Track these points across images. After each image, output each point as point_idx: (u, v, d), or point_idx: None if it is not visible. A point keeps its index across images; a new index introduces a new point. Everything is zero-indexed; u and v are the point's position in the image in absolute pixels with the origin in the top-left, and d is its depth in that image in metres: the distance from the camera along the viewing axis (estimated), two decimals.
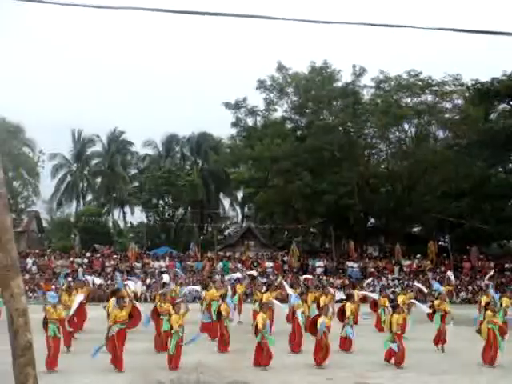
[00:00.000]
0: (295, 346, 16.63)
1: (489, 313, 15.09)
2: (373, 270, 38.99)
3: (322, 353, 14.49)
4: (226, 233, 61.69)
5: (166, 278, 25.07)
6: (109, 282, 34.48)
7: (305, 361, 14.94)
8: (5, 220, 5.65)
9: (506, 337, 15.19)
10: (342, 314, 17.37)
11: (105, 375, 13.36)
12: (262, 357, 14.02)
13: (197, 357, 14.84)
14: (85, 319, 20.57)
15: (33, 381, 5.49)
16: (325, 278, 36.99)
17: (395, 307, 15.74)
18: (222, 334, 16.59)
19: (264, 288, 22.75)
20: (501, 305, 18.01)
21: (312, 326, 15.21)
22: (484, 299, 21.72)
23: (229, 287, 20.68)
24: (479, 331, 15.15)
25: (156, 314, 17.05)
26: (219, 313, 16.85)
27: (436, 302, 17.80)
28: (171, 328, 14.12)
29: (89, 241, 49.25)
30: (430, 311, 18.01)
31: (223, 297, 17.65)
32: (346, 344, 16.65)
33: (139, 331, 18.41)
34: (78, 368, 13.96)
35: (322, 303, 18.43)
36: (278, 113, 46.75)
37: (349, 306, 16.90)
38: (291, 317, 17.58)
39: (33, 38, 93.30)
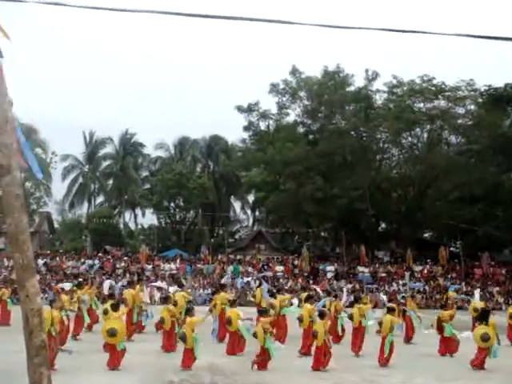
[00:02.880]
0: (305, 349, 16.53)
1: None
2: (384, 274, 38.88)
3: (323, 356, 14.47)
4: (236, 236, 61.79)
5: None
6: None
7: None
8: (21, 220, 5.69)
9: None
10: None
11: (115, 375, 13.37)
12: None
13: (209, 359, 14.77)
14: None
15: (47, 381, 5.52)
16: (335, 282, 36.94)
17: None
18: (234, 339, 16.42)
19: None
20: None
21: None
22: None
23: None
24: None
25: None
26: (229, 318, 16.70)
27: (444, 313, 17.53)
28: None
29: (100, 242, 49.53)
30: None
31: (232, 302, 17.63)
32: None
33: (149, 332, 18.50)
34: (87, 368, 13.98)
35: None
36: (291, 117, 46.74)
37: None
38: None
39: (47, 39, 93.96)
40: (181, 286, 21.81)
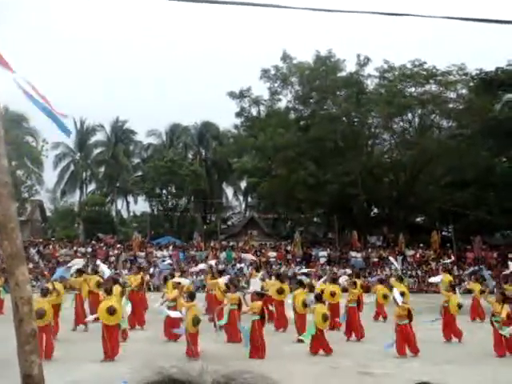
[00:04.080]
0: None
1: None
2: (376, 259, 38.98)
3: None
4: (229, 222, 61.73)
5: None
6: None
7: (305, 350, 14.91)
8: (10, 208, 5.63)
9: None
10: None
11: (109, 363, 13.40)
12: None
13: (200, 345, 14.80)
14: None
15: (38, 369, 5.47)
16: (328, 267, 37.00)
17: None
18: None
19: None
20: None
21: None
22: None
23: None
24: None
25: None
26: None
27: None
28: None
29: (92, 230, 49.45)
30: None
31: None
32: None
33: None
34: (80, 356, 14.00)
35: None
36: (282, 103, 46.56)
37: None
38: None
39: (35, 25, 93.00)
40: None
